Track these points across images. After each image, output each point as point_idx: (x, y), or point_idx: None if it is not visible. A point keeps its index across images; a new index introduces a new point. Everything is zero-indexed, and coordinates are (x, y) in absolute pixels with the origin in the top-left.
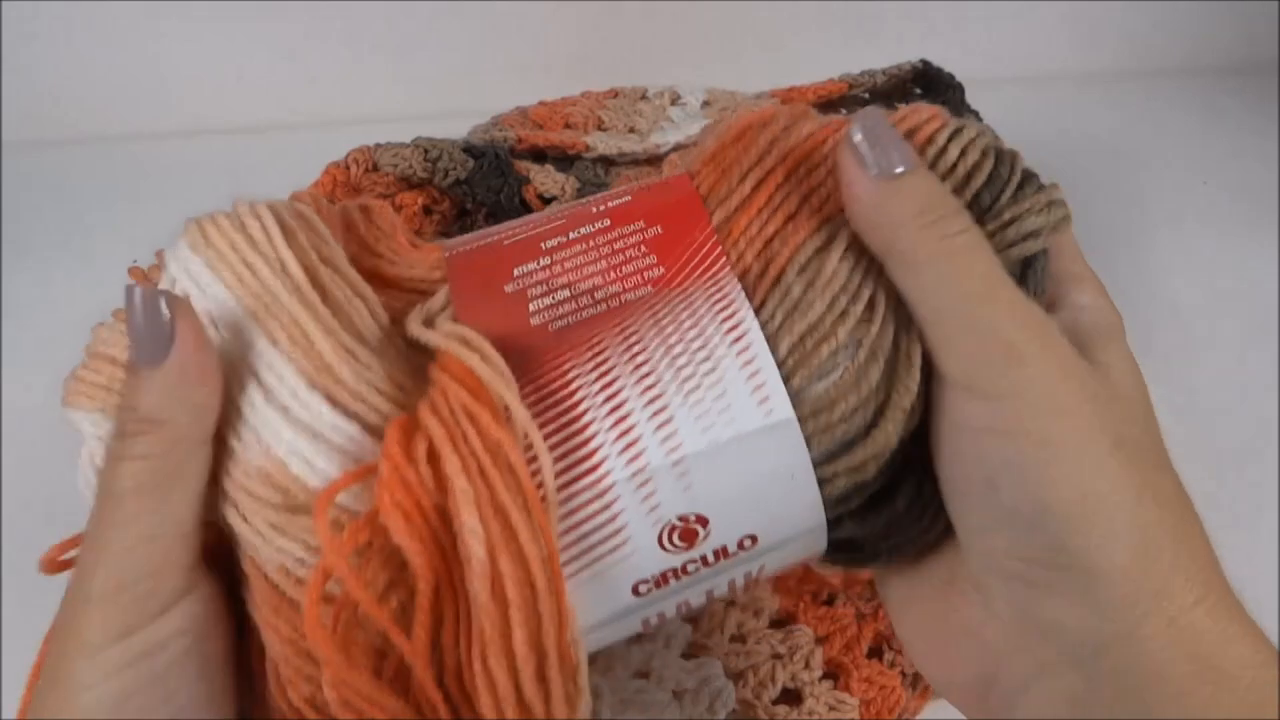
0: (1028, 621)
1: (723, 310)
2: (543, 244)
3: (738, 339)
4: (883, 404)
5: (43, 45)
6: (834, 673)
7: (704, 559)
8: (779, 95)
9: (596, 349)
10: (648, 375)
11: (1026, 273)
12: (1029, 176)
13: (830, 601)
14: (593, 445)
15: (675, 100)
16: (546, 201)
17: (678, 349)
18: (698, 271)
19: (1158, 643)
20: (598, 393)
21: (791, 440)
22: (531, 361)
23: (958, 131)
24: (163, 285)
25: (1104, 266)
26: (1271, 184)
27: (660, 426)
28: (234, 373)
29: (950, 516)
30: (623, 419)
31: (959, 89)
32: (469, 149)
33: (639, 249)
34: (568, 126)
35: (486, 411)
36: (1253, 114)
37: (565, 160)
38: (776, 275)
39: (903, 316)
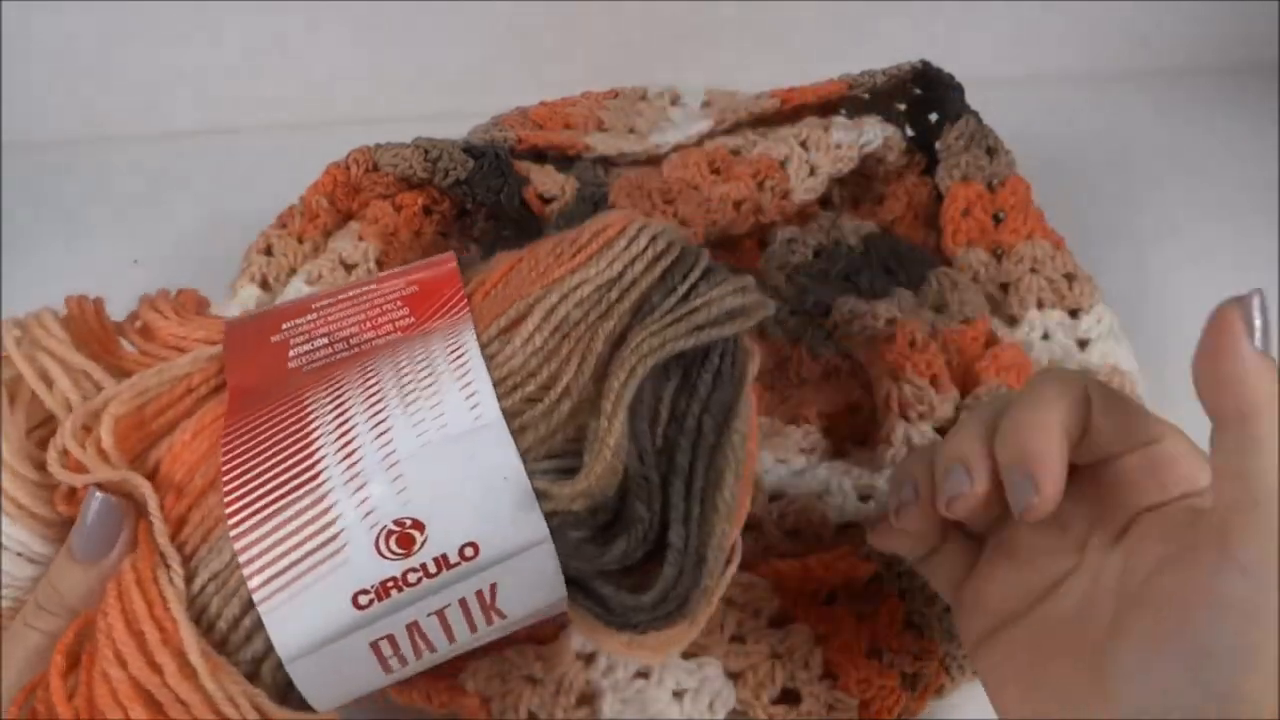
0: None
1: (452, 341)
2: (313, 304)
3: (458, 358)
4: (587, 446)
5: (43, 45)
6: (833, 673)
7: (424, 568)
8: (779, 95)
9: (337, 380)
10: (375, 394)
11: (708, 361)
12: (715, 268)
13: (829, 601)
14: (316, 456)
15: (675, 100)
16: (547, 201)
17: (405, 370)
18: (442, 318)
19: None
20: (329, 413)
21: (500, 440)
22: (279, 395)
23: (647, 225)
24: None
25: (1103, 267)
26: (1272, 184)
27: (379, 436)
28: None
29: None
30: (346, 431)
31: (959, 89)
32: (469, 149)
33: (395, 303)
34: (568, 127)
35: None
36: (1253, 114)
37: (565, 161)
38: (489, 325)
39: (597, 389)
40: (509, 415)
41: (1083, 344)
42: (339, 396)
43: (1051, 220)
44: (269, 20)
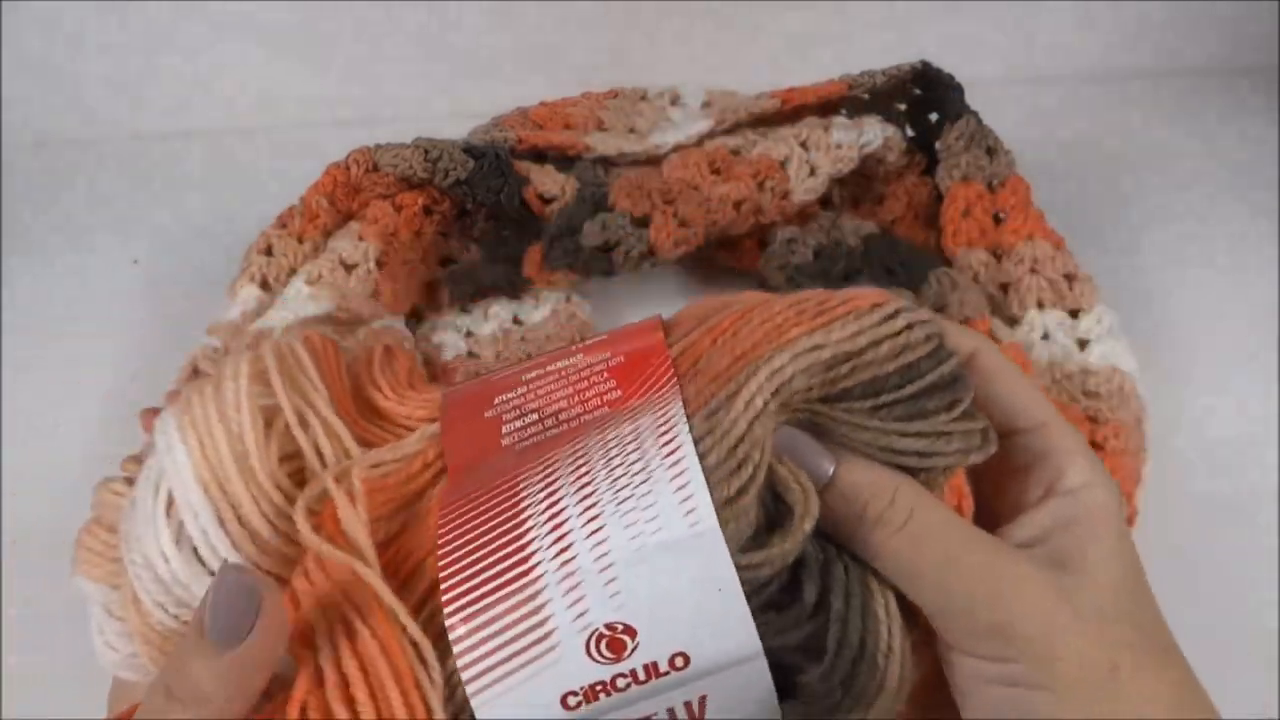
0: None
1: (663, 428)
2: (523, 377)
3: (670, 450)
4: (778, 522)
5: (43, 46)
6: None
7: (634, 674)
8: (779, 95)
9: (548, 463)
10: (586, 485)
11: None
12: (960, 376)
13: None
14: (530, 549)
15: (675, 100)
16: (547, 202)
17: (616, 460)
18: (650, 394)
19: None
20: (541, 501)
21: (715, 550)
22: (493, 476)
23: (908, 308)
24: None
25: (1102, 267)
26: (1272, 185)
27: (593, 533)
28: None
29: None
30: (559, 525)
31: (959, 89)
32: (469, 149)
33: (602, 375)
34: (568, 127)
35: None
36: (1252, 115)
37: (565, 161)
38: (702, 407)
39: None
40: (722, 522)
41: (1083, 344)
42: (551, 484)
43: (1051, 220)
44: (271, 21)
